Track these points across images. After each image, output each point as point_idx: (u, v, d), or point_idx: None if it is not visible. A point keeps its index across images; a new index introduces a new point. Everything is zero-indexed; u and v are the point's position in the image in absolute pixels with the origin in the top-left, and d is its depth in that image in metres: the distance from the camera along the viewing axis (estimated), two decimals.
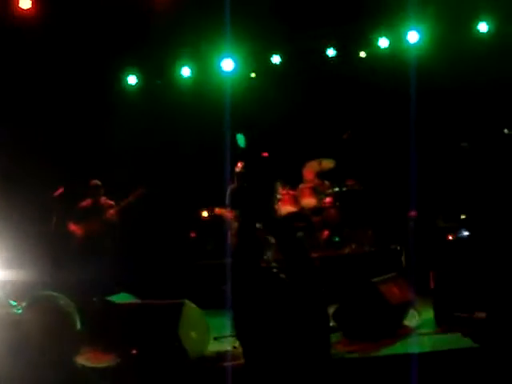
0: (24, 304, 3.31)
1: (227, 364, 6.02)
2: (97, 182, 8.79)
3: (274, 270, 4.94)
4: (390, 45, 10.37)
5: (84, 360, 6.26)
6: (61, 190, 8.60)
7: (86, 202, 8.81)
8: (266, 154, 7.81)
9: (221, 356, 6.35)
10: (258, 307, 4.70)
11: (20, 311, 3.48)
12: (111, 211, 8.67)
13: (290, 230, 5.18)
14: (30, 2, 8.94)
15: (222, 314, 7.01)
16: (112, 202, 8.79)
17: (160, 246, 9.73)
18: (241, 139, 7.40)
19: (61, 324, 3.20)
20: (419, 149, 8.44)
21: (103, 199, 8.82)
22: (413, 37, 10.07)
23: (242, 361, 5.90)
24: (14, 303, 4.83)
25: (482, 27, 10.03)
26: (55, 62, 9.78)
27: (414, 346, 6.28)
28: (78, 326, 3.25)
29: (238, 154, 7.58)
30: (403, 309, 6.93)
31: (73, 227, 8.61)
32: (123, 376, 6.00)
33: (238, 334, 5.04)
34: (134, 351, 6.23)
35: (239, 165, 7.78)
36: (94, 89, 10.31)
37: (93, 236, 8.59)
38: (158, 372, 6.04)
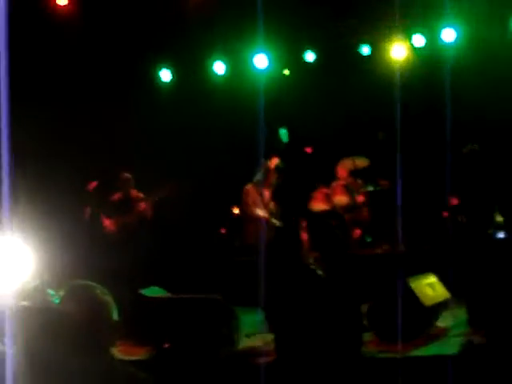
0: (61, 293, 3.32)
1: (259, 360, 6.02)
2: (127, 175, 8.81)
3: (312, 267, 4.93)
4: (426, 43, 10.25)
5: (116, 352, 6.33)
6: (94, 184, 8.65)
7: (117, 196, 8.84)
8: (309, 150, 7.80)
9: (252, 352, 6.36)
10: (295, 303, 4.70)
11: (58, 300, 3.50)
12: (142, 205, 8.69)
13: (330, 226, 5.17)
14: None
15: (253, 311, 7.09)
16: (143, 195, 8.81)
17: (190, 241, 9.75)
18: (284, 134, 7.38)
19: (98, 314, 3.21)
20: (454, 151, 8.32)
21: (134, 192, 8.84)
22: (449, 35, 9.95)
23: (273, 357, 5.93)
24: (52, 292, 4.87)
25: None
26: (91, 57, 9.85)
27: (446, 347, 6.23)
28: (115, 316, 3.26)
29: (280, 149, 7.54)
30: (436, 310, 6.87)
31: (106, 221, 8.65)
32: (155, 370, 6.02)
33: (273, 327, 5.03)
34: (167, 345, 6.27)
35: (274, 160, 7.74)
36: (129, 84, 10.36)
37: (125, 229, 8.61)
38: (190, 367, 6.06)
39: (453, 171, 7.80)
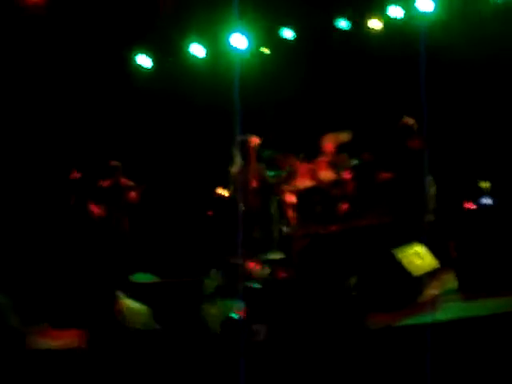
0: None
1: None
2: (116, 162, 8.79)
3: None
4: (404, 14, 10.22)
5: None
6: (76, 173, 8.61)
7: (106, 183, 8.81)
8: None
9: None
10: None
11: None
12: (132, 193, 8.68)
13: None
14: None
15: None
16: (132, 183, 8.78)
17: (178, 225, 9.72)
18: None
19: None
20: (431, 121, 8.31)
21: (123, 180, 8.82)
22: (427, 5, 9.92)
23: (261, 337, 5.93)
24: None
25: None
26: (66, 44, 9.77)
27: (435, 314, 6.24)
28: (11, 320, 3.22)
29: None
30: (425, 279, 6.88)
31: (94, 208, 8.62)
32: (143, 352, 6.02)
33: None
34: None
35: (254, 140, 7.69)
36: (107, 70, 10.28)
37: (114, 216, 8.59)
38: (180, 347, 6.05)
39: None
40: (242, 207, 8.12)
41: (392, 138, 7.90)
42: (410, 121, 7.95)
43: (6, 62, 8.97)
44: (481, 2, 9.90)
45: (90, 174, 8.79)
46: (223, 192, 8.93)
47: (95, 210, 8.61)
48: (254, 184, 7.47)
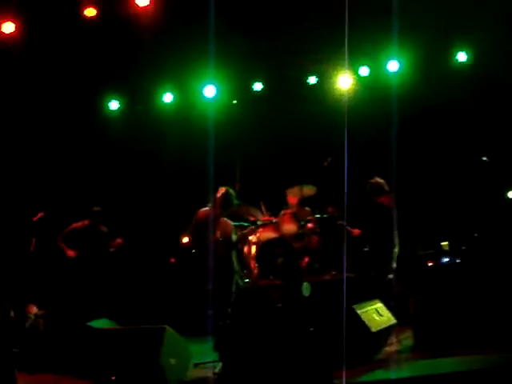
0: None
1: None
2: (97, 208, 8.76)
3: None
4: (370, 73, 10.53)
5: None
6: (40, 215, 8.56)
7: (82, 225, 8.72)
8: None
9: (200, 383, 6.32)
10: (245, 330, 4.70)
11: None
12: (118, 240, 8.68)
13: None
14: (14, 27, 9.01)
15: (202, 340, 7.05)
16: (106, 230, 8.75)
17: (140, 272, 9.68)
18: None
19: None
20: (400, 176, 8.51)
21: (100, 226, 8.78)
22: (393, 66, 10.24)
23: None
24: None
25: (461, 57, 10.23)
26: (38, 85, 9.79)
27: (393, 372, 6.28)
28: None
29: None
30: (383, 335, 6.94)
31: (67, 249, 8.52)
32: None
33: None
34: (113, 377, 6.17)
35: (221, 190, 7.75)
36: (78, 113, 10.32)
37: (84, 260, 8.52)
38: None
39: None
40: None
41: (362, 194, 8.07)
42: (381, 180, 8.15)
43: None
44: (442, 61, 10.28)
45: (51, 216, 8.72)
46: (187, 240, 8.94)
47: (69, 252, 8.52)
48: (218, 234, 7.50)
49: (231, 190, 7.83)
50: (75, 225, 8.74)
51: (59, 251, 8.51)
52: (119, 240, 8.73)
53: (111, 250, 8.69)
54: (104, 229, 8.79)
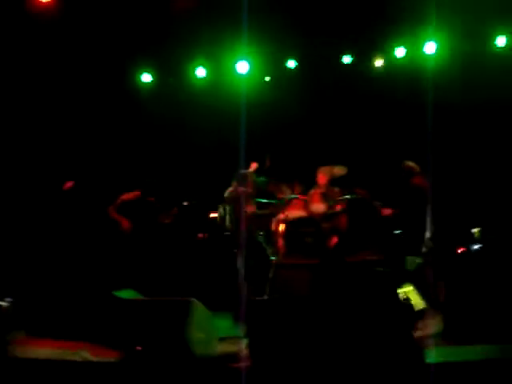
0: None
1: (233, 365, 5.96)
2: (150, 179, 8.74)
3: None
4: (406, 54, 10.35)
5: (87, 354, 6.25)
6: (69, 184, 8.55)
7: (133, 196, 8.67)
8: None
9: (227, 357, 6.29)
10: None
11: None
12: (166, 215, 8.66)
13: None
14: None
15: (228, 315, 7.02)
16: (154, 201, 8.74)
17: (169, 246, 9.66)
18: None
19: None
20: (434, 160, 8.38)
21: (150, 198, 8.75)
22: (430, 47, 10.05)
23: (248, 362, 5.87)
24: None
25: (500, 42, 10.02)
26: (72, 57, 9.76)
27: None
28: None
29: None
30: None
31: (123, 220, 8.51)
32: (126, 372, 5.94)
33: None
34: (139, 348, 6.16)
35: (253, 165, 7.70)
36: (110, 86, 10.28)
37: (136, 231, 8.53)
38: (163, 370, 5.97)
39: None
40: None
41: (395, 175, 7.97)
42: (412, 163, 8.06)
43: (9, 68, 8.94)
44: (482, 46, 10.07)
45: (80, 187, 8.72)
46: (216, 216, 8.92)
47: (125, 222, 8.50)
48: (251, 209, 7.47)
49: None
50: (126, 196, 8.70)
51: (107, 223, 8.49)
52: (176, 210, 8.66)
53: (166, 221, 8.64)
54: (152, 199, 8.74)
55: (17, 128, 9.25)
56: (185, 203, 8.92)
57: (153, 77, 10.88)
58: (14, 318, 6.70)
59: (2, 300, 6.51)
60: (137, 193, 8.66)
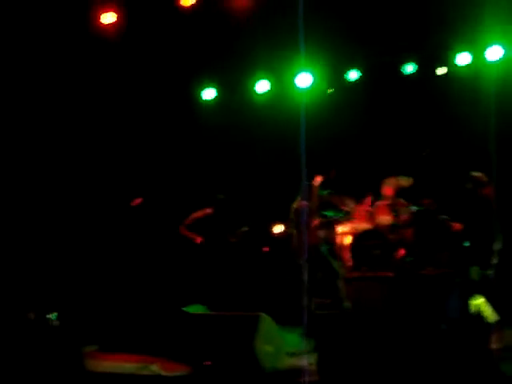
0: None
1: (302, 380, 5.93)
2: (222, 196, 8.82)
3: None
4: (471, 62, 10.15)
5: (158, 368, 6.32)
6: (138, 201, 8.70)
7: (204, 213, 8.77)
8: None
9: (295, 372, 6.26)
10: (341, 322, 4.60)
11: None
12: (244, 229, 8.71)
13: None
14: (113, 17, 9.17)
15: (296, 330, 7.00)
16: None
17: (236, 262, 9.71)
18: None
19: None
20: (498, 170, 8.18)
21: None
22: (495, 53, 9.81)
23: (316, 377, 5.83)
24: None
25: None
26: (134, 75, 9.93)
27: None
28: None
29: None
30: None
31: (195, 236, 8.62)
32: None
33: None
34: (208, 362, 6.21)
35: (318, 179, 7.67)
36: (173, 102, 10.42)
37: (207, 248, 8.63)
38: None
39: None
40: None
41: (463, 186, 7.81)
42: (479, 173, 7.88)
43: (78, 88, 9.15)
44: None
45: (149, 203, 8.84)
46: (280, 229, 8.91)
47: (198, 239, 8.62)
48: (316, 222, 7.43)
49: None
50: (198, 214, 8.81)
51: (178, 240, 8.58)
52: (245, 229, 8.72)
53: (233, 240, 8.72)
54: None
55: (87, 146, 9.44)
56: (245, 228, 8.92)
57: (215, 93, 10.98)
58: (86, 333, 6.84)
59: (51, 315, 6.65)
60: (208, 210, 8.74)
